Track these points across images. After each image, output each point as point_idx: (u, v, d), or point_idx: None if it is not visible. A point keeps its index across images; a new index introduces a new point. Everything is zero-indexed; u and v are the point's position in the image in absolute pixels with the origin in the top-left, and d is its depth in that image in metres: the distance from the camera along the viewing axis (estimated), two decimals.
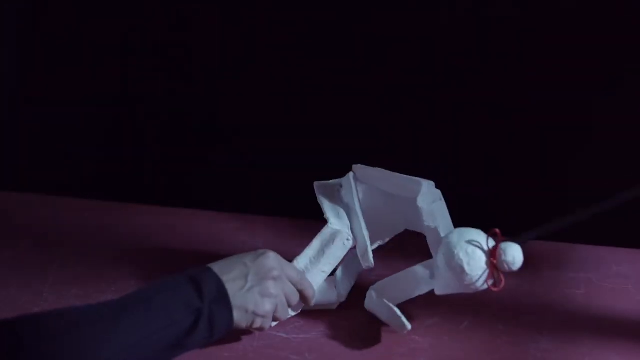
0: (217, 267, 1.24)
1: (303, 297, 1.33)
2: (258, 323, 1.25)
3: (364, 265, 1.38)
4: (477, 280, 1.25)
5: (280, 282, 1.27)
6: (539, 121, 1.81)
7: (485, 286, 1.26)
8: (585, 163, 1.81)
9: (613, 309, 1.40)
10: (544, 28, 1.77)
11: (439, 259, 1.28)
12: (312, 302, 1.34)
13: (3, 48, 1.98)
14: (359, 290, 1.45)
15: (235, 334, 1.32)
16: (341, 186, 1.41)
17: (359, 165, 1.41)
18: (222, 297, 1.20)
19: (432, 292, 1.40)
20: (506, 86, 1.81)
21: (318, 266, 1.36)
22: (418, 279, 1.33)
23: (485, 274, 1.25)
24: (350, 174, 1.41)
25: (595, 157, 1.81)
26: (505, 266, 1.25)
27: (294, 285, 1.31)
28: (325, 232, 1.38)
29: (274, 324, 1.32)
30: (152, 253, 1.56)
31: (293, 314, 1.35)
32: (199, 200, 1.74)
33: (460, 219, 1.35)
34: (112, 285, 1.46)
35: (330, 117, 1.88)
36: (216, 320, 1.18)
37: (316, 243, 1.37)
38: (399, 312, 1.31)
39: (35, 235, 1.62)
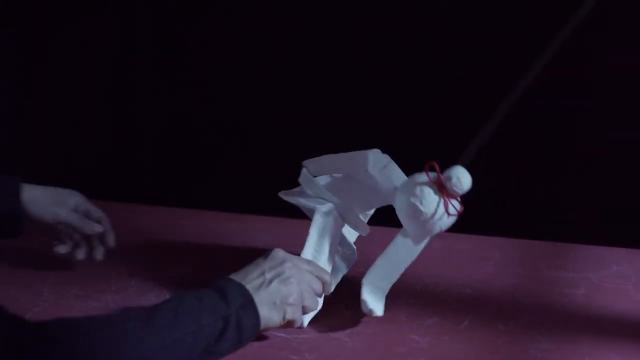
0: (236, 276, 1.26)
1: (322, 283, 1.33)
2: (289, 313, 1.26)
3: (363, 233, 1.40)
4: (436, 214, 1.29)
5: (296, 269, 1.29)
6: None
7: (447, 216, 1.30)
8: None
9: (613, 309, 1.40)
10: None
11: (400, 215, 1.32)
12: (332, 287, 1.36)
13: (3, 48, 1.98)
14: (359, 291, 1.45)
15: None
16: (304, 189, 1.43)
17: (308, 160, 1.42)
18: (248, 301, 1.22)
19: (431, 292, 1.41)
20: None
21: (324, 252, 1.37)
22: (398, 248, 1.35)
23: (441, 205, 1.29)
24: (304, 171, 1.42)
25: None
26: (456, 189, 1.29)
27: (310, 272, 1.32)
28: (317, 218, 1.39)
29: (306, 320, 1.33)
30: (152, 253, 1.56)
31: (320, 306, 1.35)
32: (199, 200, 1.75)
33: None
34: (112, 285, 1.46)
35: (331, 117, 1.88)
36: (243, 324, 1.20)
37: (313, 231, 1.38)
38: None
39: (35, 235, 1.62)
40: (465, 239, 1.64)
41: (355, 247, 1.48)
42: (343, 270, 1.45)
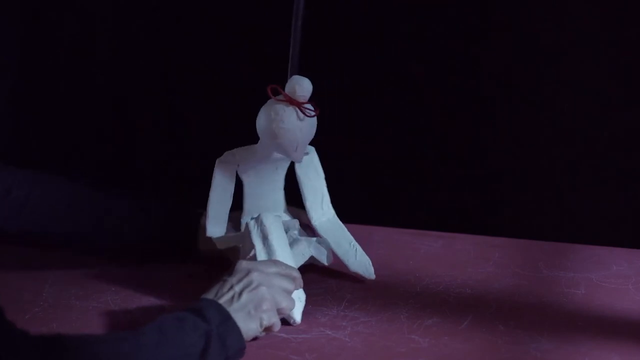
0: (208, 295, 1.28)
1: (293, 279, 1.35)
2: (266, 319, 1.28)
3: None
4: (295, 124, 1.35)
5: (263, 274, 1.31)
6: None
7: (309, 119, 1.35)
8: None
9: (613, 309, 1.40)
10: None
11: (274, 148, 1.38)
12: (301, 282, 1.36)
13: (3, 48, 1.98)
14: (359, 291, 1.45)
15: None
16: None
17: (223, 157, 1.44)
18: (225, 317, 1.24)
19: (431, 292, 1.41)
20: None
21: (275, 251, 1.38)
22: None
23: (296, 113, 1.35)
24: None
25: None
26: (302, 94, 1.35)
27: (278, 274, 1.33)
28: (248, 227, 1.40)
29: (297, 315, 1.34)
30: (153, 253, 1.56)
31: (298, 307, 1.35)
32: (199, 200, 1.74)
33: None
34: (111, 285, 1.46)
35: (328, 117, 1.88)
36: (227, 339, 1.22)
37: (255, 239, 1.39)
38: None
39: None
40: (465, 239, 1.64)
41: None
42: (307, 251, 1.45)
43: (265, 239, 1.38)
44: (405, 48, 1.84)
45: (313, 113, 1.36)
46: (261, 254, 1.37)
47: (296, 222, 1.48)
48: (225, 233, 1.46)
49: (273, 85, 1.35)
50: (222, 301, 1.26)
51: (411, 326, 1.35)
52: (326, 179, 1.49)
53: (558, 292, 1.44)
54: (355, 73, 1.88)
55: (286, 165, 1.46)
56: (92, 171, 1.85)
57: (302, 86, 1.36)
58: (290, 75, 1.38)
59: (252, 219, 1.40)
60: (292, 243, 1.43)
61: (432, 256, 1.58)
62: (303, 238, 1.45)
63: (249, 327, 1.26)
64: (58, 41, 1.99)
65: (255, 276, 1.30)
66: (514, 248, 1.60)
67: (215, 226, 1.45)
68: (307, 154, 1.44)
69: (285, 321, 1.35)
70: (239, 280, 1.29)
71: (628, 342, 1.31)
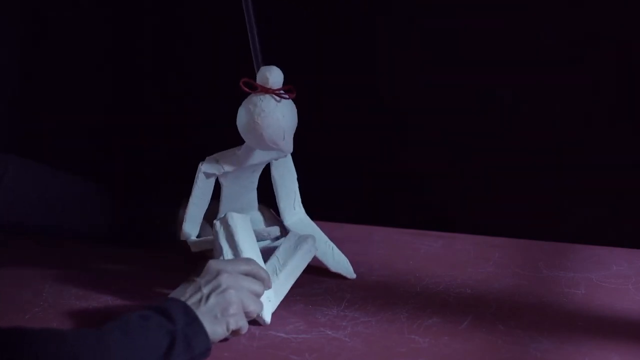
0: (175, 294, 1.28)
1: (260, 280, 1.34)
2: (232, 323, 1.28)
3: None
4: (277, 111, 1.35)
5: (232, 276, 1.30)
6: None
7: (290, 106, 1.37)
8: None
9: (613, 309, 1.40)
10: None
11: (257, 144, 1.37)
12: (270, 283, 1.36)
13: (3, 48, 1.98)
14: (359, 291, 1.45)
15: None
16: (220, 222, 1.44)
17: (206, 162, 1.44)
18: (192, 319, 1.23)
19: (431, 292, 1.41)
20: None
21: (243, 253, 1.38)
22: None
23: (274, 100, 1.36)
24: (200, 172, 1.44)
25: None
26: (274, 82, 1.36)
27: (247, 274, 1.33)
28: (216, 229, 1.40)
29: (267, 316, 1.34)
30: (152, 252, 1.56)
31: (267, 308, 1.36)
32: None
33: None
34: (111, 285, 1.46)
35: (324, 119, 1.88)
36: (192, 340, 1.21)
37: (223, 243, 1.39)
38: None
39: (35, 236, 1.62)
40: (465, 239, 1.64)
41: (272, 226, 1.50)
42: (313, 248, 1.45)
43: (231, 239, 1.38)
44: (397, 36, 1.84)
45: (288, 95, 1.37)
46: (228, 255, 1.38)
47: (277, 229, 1.49)
48: (199, 232, 1.48)
49: (245, 79, 1.36)
50: (190, 302, 1.25)
51: (411, 326, 1.35)
52: (326, 179, 1.49)
53: (558, 292, 1.44)
54: (355, 71, 1.88)
55: (262, 167, 1.47)
56: (90, 171, 1.85)
57: (272, 73, 1.36)
58: (257, 64, 1.40)
59: (217, 220, 1.40)
60: (299, 241, 1.43)
61: (432, 256, 1.58)
62: (308, 236, 1.45)
63: (215, 330, 1.25)
64: (58, 41, 1.99)
65: (224, 279, 1.29)
66: (514, 248, 1.60)
67: (191, 228, 1.46)
68: (284, 155, 1.45)
69: (285, 321, 1.35)
70: (208, 282, 1.29)
71: (628, 342, 1.31)
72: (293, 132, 1.39)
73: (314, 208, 1.54)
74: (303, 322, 1.36)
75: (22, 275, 1.50)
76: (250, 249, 1.38)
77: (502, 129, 1.84)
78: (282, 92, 1.37)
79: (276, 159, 1.46)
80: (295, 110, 1.39)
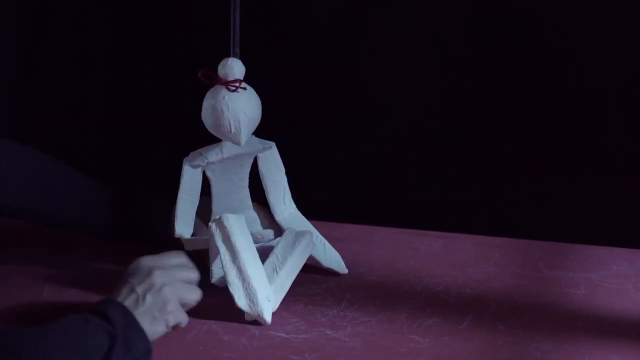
0: (112, 296, 1.27)
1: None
2: (171, 320, 1.28)
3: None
4: (226, 100, 1.37)
5: (164, 272, 1.30)
6: None
7: (249, 98, 1.39)
8: None
9: (613, 309, 1.40)
10: None
11: (226, 135, 1.39)
12: (196, 274, 1.35)
13: (3, 49, 1.98)
14: (359, 291, 1.45)
15: (223, 335, 1.32)
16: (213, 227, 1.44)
17: (190, 156, 1.45)
18: (131, 320, 1.23)
19: (431, 292, 1.41)
20: None
21: (241, 254, 1.38)
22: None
23: (230, 94, 1.38)
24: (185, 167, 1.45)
25: None
26: (228, 73, 1.38)
27: (179, 266, 1.33)
28: (211, 233, 1.40)
29: (267, 316, 1.34)
30: (152, 252, 1.56)
31: (267, 308, 1.36)
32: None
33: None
34: (112, 285, 1.46)
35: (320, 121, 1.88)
36: (132, 343, 1.21)
37: (219, 245, 1.39)
38: None
39: (35, 235, 1.62)
40: (465, 239, 1.64)
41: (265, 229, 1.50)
42: (310, 244, 1.45)
43: (228, 241, 1.38)
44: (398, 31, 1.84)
45: (235, 87, 1.38)
46: (225, 257, 1.38)
47: (271, 232, 1.48)
48: (194, 231, 1.48)
49: (203, 69, 1.38)
50: (126, 303, 1.25)
51: (411, 326, 1.35)
52: (325, 178, 1.49)
53: (558, 292, 1.44)
54: (355, 72, 1.88)
55: (250, 161, 1.47)
56: (89, 170, 1.85)
57: (231, 65, 1.39)
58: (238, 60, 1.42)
59: (213, 221, 1.40)
60: (297, 237, 1.43)
61: (432, 256, 1.58)
62: (306, 231, 1.45)
63: (155, 330, 1.25)
64: (58, 41, 1.99)
65: (156, 276, 1.29)
66: (514, 248, 1.60)
67: (184, 227, 1.46)
68: (269, 148, 1.46)
69: (285, 321, 1.35)
70: (141, 282, 1.28)
71: (628, 342, 1.31)
72: (252, 125, 1.40)
73: (314, 208, 1.54)
74: (303, 322, 1.36)
75: (22, 275, 1.50)
76: (247, 250, 1.38)
77: (502, 129, 1.84)
78: (234, 85, 1.39)
79: (261, 152, 1.46)
80: (259, 108, 1.40)
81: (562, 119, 1.80)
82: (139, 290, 1.27)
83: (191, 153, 1.44)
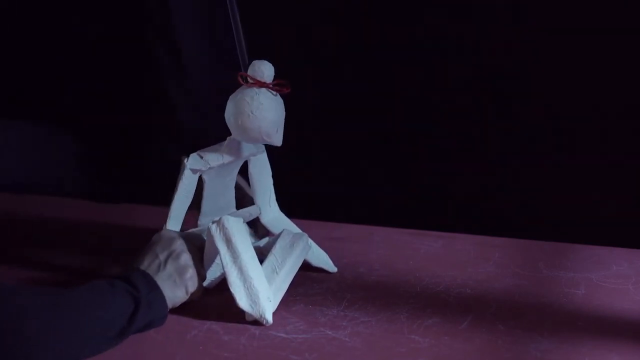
0: (135, 263, 1.35)
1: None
2: (190, 286, 1.36)
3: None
4: (272, 105, 1.38)
5: (184, 241, 1.38)
6: None
7: (279, 101, 1.39)
8: None
9: (613, 309, 1.40)
10: None
11: (249, 136, 1.39)
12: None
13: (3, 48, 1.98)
14: (359, 291, 1.45)
15: (223, 335, 1.32)
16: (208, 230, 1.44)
17: (191, 159, 1.45)
18: (153, 286, 1.31)
19: (431, 292, 1.41)
20: None
21: (241, 256, 1.39)
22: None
23: (270, 93, 1.38)
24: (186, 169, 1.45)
25: None
26: (266, 76, 1.38)
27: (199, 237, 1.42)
28: (211, 232, 1.40)
29: (269, 315, 1.34)
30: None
31: (268, 307, 1.36)
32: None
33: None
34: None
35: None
36: (153, 307, 1.30)
37: (220, 246, 1.39)
38: None
39: (35, 235, 1.62)
40: (465, 239, 1.64)
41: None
42: (307, 245, 1.46)
43: (229, 242, 1.39)
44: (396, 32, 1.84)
45: (281, 90, 1.39)
46: (226, 257, 1.38)
47: (256, 208, 1.51)
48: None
49: (242, 73, 1.39)
50: (149, 270, 1.33)
51: (411, 326, 1.35)
52: (326, 179, 1.50)
53: (558, 292, 1.44)
54: (355, 72, 1.88)
55: (240, 164, 1.48)
56: (88, 170, 1.85)
57: (264, 68, 1.39)
58: (242, 65, 1.42)
59: (213, 222, 1.40)
60: (294, 239, 1.43)
61: (432, 256, 1.58)
62: (301, 234, 1.45)
63: (175, 295, 1.35)
64: (57, 41, 1.99)
65: (177, 244, 1.37)
66: (514, 248, 1.60)
67: (175, 225, 1.47)
68: (262, 152, 1.48)
69: (285, 321, 1.35)
70: (163, 249, 1.36)
71: (628, 342, 1.31)
72: (283, 125, 1.41)
73: (314, 208, 1.54)
74: (303, 322, 1.36)
75: (22, 275, 1.50)
76: (246, 251, 1.39)
77: (502, 130, 1.84)
78: (276, 87, 1.39)
79: (255, 155, 1.47)
80: (283, 105, 1.41)
81: (562, 119, 1.80)
82: (161, 256, 1.36)
83: (191, 156, 1.44)
